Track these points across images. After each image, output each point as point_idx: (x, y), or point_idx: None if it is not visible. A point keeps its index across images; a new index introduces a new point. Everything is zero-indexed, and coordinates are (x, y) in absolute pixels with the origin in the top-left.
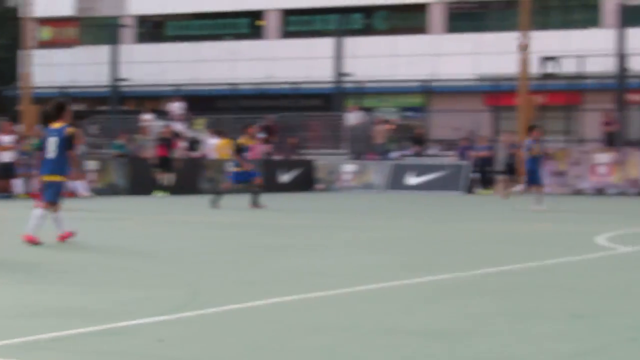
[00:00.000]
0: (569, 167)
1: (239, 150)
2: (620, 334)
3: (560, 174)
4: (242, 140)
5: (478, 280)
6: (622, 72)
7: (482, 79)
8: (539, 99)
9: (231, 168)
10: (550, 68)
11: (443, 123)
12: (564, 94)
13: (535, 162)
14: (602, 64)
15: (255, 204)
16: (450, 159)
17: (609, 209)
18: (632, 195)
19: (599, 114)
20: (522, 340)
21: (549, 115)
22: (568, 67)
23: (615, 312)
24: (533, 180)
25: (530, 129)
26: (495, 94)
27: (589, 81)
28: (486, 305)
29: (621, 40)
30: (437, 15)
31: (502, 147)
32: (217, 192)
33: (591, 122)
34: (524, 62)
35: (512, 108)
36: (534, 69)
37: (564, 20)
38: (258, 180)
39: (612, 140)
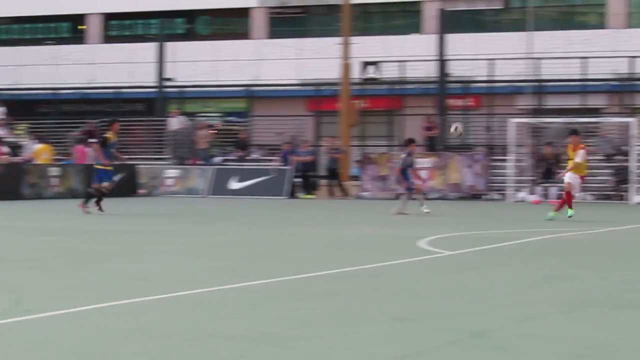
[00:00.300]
0: (390, 171)
1: (104, 145)
2: (442, 337)
3: (382, 178)
4: (109, 135)
5: (302, 284)
6: (443, 78)
7: (304, 84)
8: (361, 104)
9: (96, 166)
10: (372, 73)
11: (266, 128)
12: (385, 99)
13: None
14: (424, 70)
15: (85, 205)
16: (274, 163)
17: (430, 213)
18: (453, 200)
19: (421, 118)
20: (346, 343)
21: (370, 120)
22: (389, 72)
23: (437, 315)
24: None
25: (408, 142)
26: (317, 99)
27: (410, 86)
28: (310, 309)
29: (442, 46)
30: (259, 20)
31: (325, 151)
32: (88, 194)
33: (412, 127)
34: (346, 67)
35: (335, 113)
36: (356, 74)
37: (385, 25)
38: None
39: (433, 145)
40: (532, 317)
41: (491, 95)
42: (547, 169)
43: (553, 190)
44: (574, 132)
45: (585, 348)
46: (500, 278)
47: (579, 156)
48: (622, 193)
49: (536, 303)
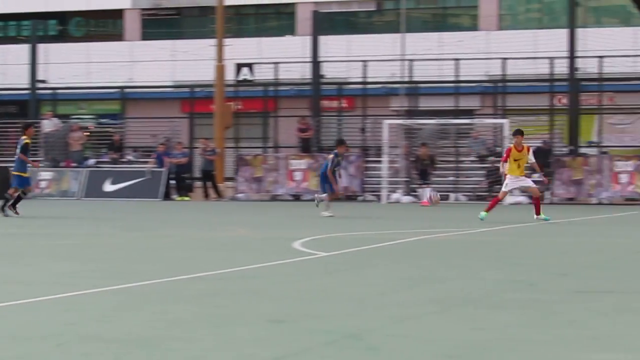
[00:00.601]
0: (265, 173)
1: (25, 150)
2: (317, 338)
3: (257, 179)
4: (27, 140)
5: (176, 286)
6: (317, 79)
7: (178, 86)
8: (236, 106)
9: (14, 172)
10: (246, 75)
11: (140, 130)
12: (260, 101)
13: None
14: (298, 71)
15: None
16: (148, 165)
17: (305, 214)
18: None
19: (295, 120)
20: (221, 345)
21: (245, 121)
22: (264, 74)
23: (313, 316)
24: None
25: (338, 143)
26: (192, 100)
27: (284, 88)
28: (184, 311)
29: (315, 48)
30: (132, 21)
31: (199, 153)
32: (5, 198)
33: (287, 129)
34: (220, 69)
35: (209, 115)
36: (230, 75)
37: (259, 27)
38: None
39: (308, 147)
40: (406, 317)
41: (365, 97)
42: (421, 170)
43: (427, 191)
44: (518, 132)
45: (459, 348)
46: (374, 279)
47: (532, 157)
48: (496, 194)
49: (410, 304)
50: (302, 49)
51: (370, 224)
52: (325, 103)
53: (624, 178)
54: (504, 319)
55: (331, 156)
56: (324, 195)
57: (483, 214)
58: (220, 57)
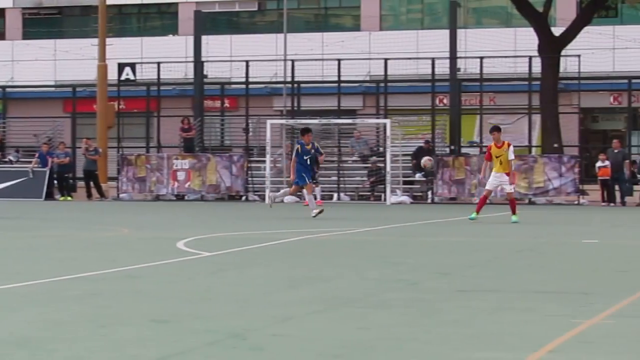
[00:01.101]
0: (148, 173)
1: None
2: (201, 338)
3: (140, 179)
4: None
5: (59, 287)
6: (200, 79)
7: (60, 85)
8: (118, 105)
9: None
10: (129, 75)
11: (22, 129)
12: (142, 101)
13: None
14: (180, 71)
15: None
16: (30, 165)
17: (189, 214)
18: (211, 200)
19: (178, 120)
20: (105, 346)
21: (128, 121)
22: (146, 73)
23: (196, 316)
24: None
25: (303, 132)
26: (74, 100)
27: (167, 88)
28: (66, 312)
29: (198, 47)
30: (13, 21)
31: (82, 153)
32: None
33: (170, 128)
34: (102, 69)
35: (92, 114)
36: (113, 75)
37: (142, 27)
38: None
39: (191, 147)
40: (290, 317)
41: (248, 97)
42: None
43: (317, 190)
44: (495, 128)
45: (342, 347)
46: (258, 279)
47: (512, 153)
48: (378, 193)
49: (294, 303)
50: (185, 49)
51: (254, 223)
52: (208, 103)
53: None
54: (388, 318)
55: (297, 146)
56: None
57: (473, 214)
58: (102, 57)
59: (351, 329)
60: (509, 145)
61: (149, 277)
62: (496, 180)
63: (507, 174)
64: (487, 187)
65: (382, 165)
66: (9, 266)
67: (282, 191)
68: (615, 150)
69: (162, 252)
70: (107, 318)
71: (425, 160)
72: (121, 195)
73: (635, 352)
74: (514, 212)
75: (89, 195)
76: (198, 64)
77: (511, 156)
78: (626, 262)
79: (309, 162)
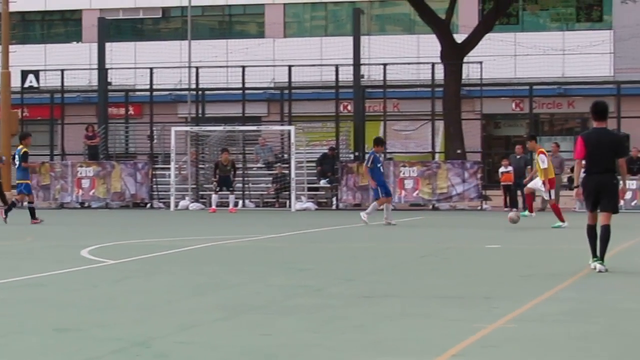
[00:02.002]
0: (52, 180)
1: (26, 158)
2: (105, 346)
3: (44, 187)
4: (26, 149)
5: None
6: (104, 86)
7: None
8: (22, 113)
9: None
10: (32, 82)
11: None
12: (46, 108)
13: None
14: (85, 78)
15: None
16: None
17: (94, 222)
18: (116, 208)
19: (82, 127)
20: (7, 355)
21: (32, 129)
22: (50, 81)
23: (100, 324)
24: (387, 192)
25: (376, 142)
26: None
27: (71, 95)
28: None
29: (102, 55)
30: None
31: None
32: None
33: (74, 136)
34: (5, 76)
35: None
36: (16, 82)
37: (46, 34)
38: None
39: (95, 154)
40: (195, 324)
41: (152, 104)
42: (220, 176)
43: (231, 197)
44: (531, 137)
45: (246, 354)
46: (162, 286)
47: (543, 162)
48: (283, 200)
49: (198, 310)
50: (89, 56)
51: (159, 231)
52: (113, 110)
53: (409, 184)
54: (292, 324)
55: (371, 157)
56: (374, 204)
57: (559, 223)
58: (5, 64)
59: (255, 335)
60: (539, 153)
61: (53, 285)
62: (535, 184)
63: (543, 182)
64: (553, 196)
65: (286, 171)
66: None
67: (371, 207)
68: (518, 156)
69: (66, 260)
70: (9, 327)
71: (223, 155)
72: (25, 204)
73: (536, 356)
74: (560, 219)
75: None
76: (102, 71)
77: (543, 166)
78: (528, 266)
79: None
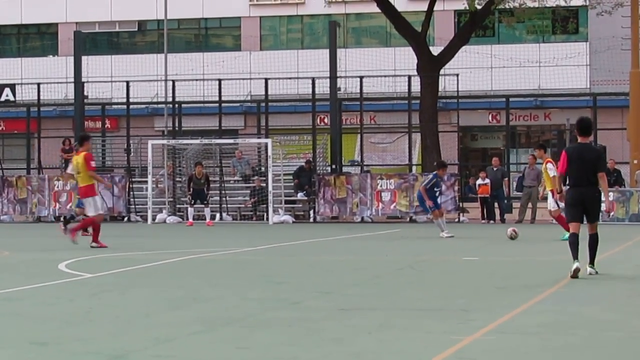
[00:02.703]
0: (29, 194)
1: None
2: None
3: (21, 201)
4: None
5: None
6: (80, 100)
7: None
8: None
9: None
10: (8, 95)
11: None
12: (23, 122)
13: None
14: (61, 92)
15: None
16: None
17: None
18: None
19: (59, 141)
20: None
21: (8, 142)
22: (26, 94)
23: (77, 338)
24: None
25: (440, 165)
26: None
27: (47, 108)
28: None
29: (78, 68)
30: None
31: None
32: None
33: (51, 150)
34: None
35: None
36: None
37: (22, 47)
38: None
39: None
40: (172, 338)
41: (129, 117)
42: (194, 190)
43: (207, 210)
44: (540, 146)
45: None
46: (140, 300)
47: (551, 171)
48: (261, 213)
49: (176, 324)
50: (65, 69)
51: (136, 244)
52: (89, 123)
53: (386, 196)
54: (269, 337)
55: (430, 176)
56: (440, 220)
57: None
58: None
59: (232, 348)
60: (547, 162)
61: (29, 299)
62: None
63: (551, 190)
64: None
65: (264, 184)
66: None
67: (441, 223)
68: (495, 168)
69: (43, 274)
70: None
71: (197, 168)
72: (2, 217)
73: None
74: (566, 229)
75: None
76: (78, 84)
77: (551, 174)
78: (505, 278)
79: (437, 194)
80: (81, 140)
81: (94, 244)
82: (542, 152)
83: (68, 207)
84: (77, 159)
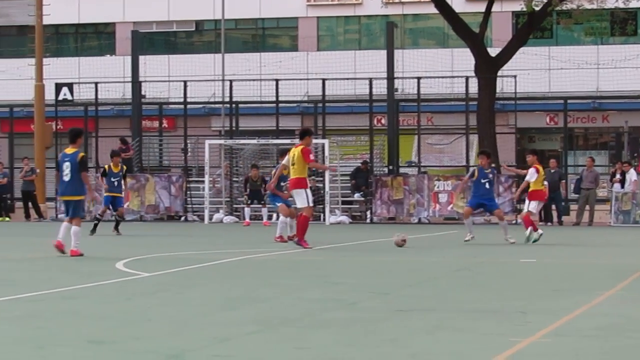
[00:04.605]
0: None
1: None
2: (141, 359)
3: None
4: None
5: None
6: (137, 99)
7: None
8: (56, 125)
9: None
10: (66, 95)
11: None
12: (80, 121)
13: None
14: (118, 91)
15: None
16: None
17: (128, 234)
18: (150, 221)
19: (116, 140)
20: None
21: (65, 141)
22: (84, 93)
23: (134, 337)
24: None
25: (483, 154)
26: (11, 120)
27: (105, 108)
28: (4, 333)
29: (136, 67)
30: None
31: (20, 173)
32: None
33: (108, 149)
34: (39, 89)
35: (29, 134)
36: (50, 95)
37: (80, 47)
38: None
39: (129, 167)
40: (228, 337)
41: (186, 117)
42: (251, 190)
43: (264, 211)
44: (532, 152)
45: None
46: (197, 299)
47: (530, 175)
48: (317, 213)
49: (233, 323)
50: (122, 69)
51: (193, 244)
52: (146, 123)
53: (443, 197)
54: (326, 338)
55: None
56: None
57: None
58: (39, 77)
59: (289, 348)
60: (534, 167)
61: (87, 297)
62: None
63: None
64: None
65: (320, 185)
66: None
67: (503, 226)
68: (552, 170)
69: (101, 272)
70: (45, 339)
71: (253, 171)
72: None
73: None
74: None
75: (27, 216)
76: (135, 84)
77: (527, 178)
78: (563, 280)
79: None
80: (302, 134)
81: (297, 243)
82: (534, 158)
83: (125, 206)
84: (295, 151)
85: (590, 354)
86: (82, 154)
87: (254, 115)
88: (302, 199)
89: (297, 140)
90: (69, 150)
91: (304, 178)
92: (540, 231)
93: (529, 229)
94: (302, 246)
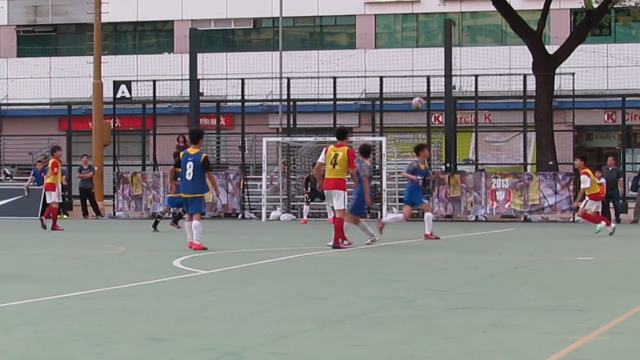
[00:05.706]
0: (144, 191)
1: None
2: (197, 356)
3: (136, 197)
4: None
5: (55, 305)
6: (195, 97)
7: (56, 103)
8: (114, 123)
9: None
10: (124, 92)
11: (17, 147)
12: (138, 118)
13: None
14: (176, 89)
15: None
16: (26, 183)
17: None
18: (207, 218)
19: (174, 138)
20: None
21: (123, 139)
22: (142, 91)
23: (192, 334)
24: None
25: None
26: (69, 118)
27: (163, 105)
28: (62, 330)
29: (193, 65)
30: (7, 38)
31: (78, 171)
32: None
33: (166, 146)
34: (97, 87)
35: (87, 132)
36: (108, 93)
37: (138, 44)
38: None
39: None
40: (286, 335)
41: (243, 114)
42: (312, 189)
43: (306, 209)
44: (580, 156)
45: None
46: (254, 296)
47: (584, 182)
48: (375, 211)
49: (290, 321)
50: (180, 67)
51: (251, 241)
52: (204, 120)
53: (500, 195)
54: (383, 335)
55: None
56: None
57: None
58: (97, 75)
59: (346, 346)
60: (584, 173)
61: (145, 295)
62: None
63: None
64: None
65: (378, 182)
66: (4, 284)
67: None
68: (610, 168)
69: (159, 270)
70: (103, 336)
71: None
72: (117, 214)
73: None
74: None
75: (85, 214)
76: (193, 81)
77: (583, 185)
78: (620, 278)
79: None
80: (342, 133)
81: (334, 245)
82: (581, 163)
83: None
84: (338, 150)
85: None
86: (204, 154)
87: (312, 112)
88: (340, 201)
89: (355, 138)
90: (192, 150)
91: (345, 180)
92: (603, 223)
93: (600, 223)
94: (339, 247)
